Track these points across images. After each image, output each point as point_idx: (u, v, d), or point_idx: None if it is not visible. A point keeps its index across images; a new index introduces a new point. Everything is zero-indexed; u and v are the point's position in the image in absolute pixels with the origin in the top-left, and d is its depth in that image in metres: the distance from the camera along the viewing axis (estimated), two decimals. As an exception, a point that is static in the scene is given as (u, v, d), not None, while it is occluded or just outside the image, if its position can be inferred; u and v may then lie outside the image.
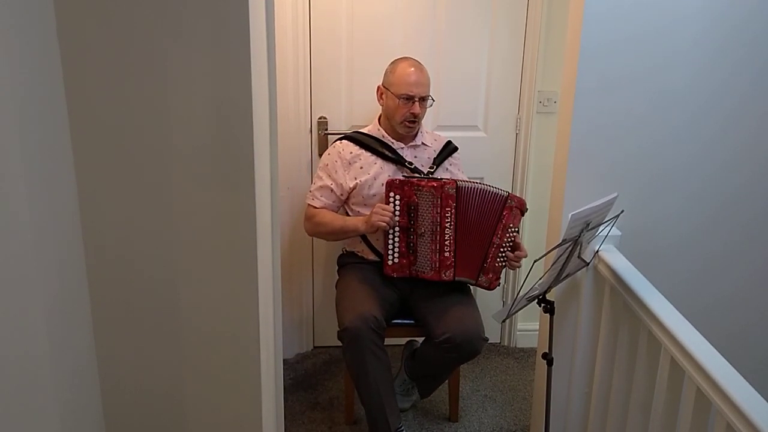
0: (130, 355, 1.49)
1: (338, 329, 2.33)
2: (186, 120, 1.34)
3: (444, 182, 2.34)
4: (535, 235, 3.02)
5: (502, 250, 2.35)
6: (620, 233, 2.14)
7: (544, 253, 2.02)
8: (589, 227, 1.87)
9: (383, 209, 2.35)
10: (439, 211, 2.33)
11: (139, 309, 1.46)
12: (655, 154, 2.13)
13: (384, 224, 2.34)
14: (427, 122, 2.88)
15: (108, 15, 1.28)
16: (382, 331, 2.30)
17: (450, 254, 2.36)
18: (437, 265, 2.36)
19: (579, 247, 1.91)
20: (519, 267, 2.42)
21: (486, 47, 2.86)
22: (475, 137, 2.96)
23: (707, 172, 2.18)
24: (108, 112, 1.33)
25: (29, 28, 1.19)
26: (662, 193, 2.18)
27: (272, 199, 1.58)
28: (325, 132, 2.88)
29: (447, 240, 2.35)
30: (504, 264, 2.37)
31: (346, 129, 2.86)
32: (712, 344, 1.58)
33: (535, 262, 1.75)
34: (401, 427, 2.38)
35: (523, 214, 2.39)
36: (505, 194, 2.35)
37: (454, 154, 2.64)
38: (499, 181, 2.90)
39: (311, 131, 2.90)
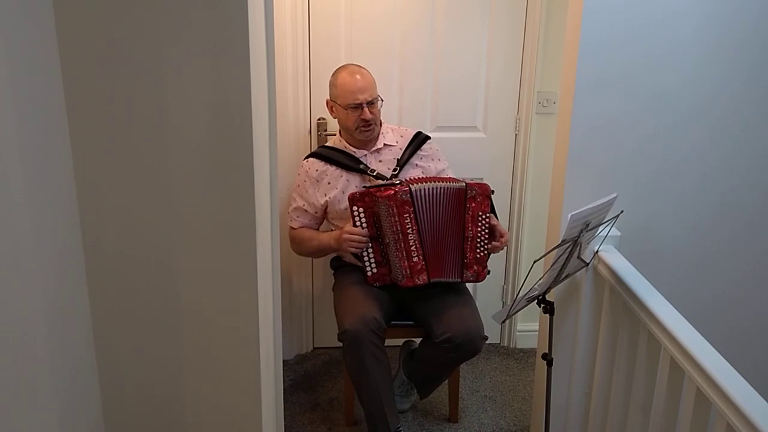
0: (130, 355, 1.49)
1: (338, 331, 2.33)
2: (185, 121, 1.35)
3: (397, 189, 2.30)
4: (535, 235, 3.02)
5: (479, 240, 2.35)
6: (620, 233, 2.13)
7: (544, 253, 2.02)
8: (589, 227, 1.87)
9: (352, 233, 2.34)
10: (397, 219, 2.30)
11: (138, 309, 1.46)
12: (654, 153, 2.13)
13: (354, 250, 2.37)
14: (426, 123, 2.90)
15: (107, 15, 1.28)
16: (382, 332, 2.30)
17: (419, 259, 2.34)
18: (408, 272, 2.34)
19: (579, 248, 1.91)
20: (503, 248, 2.42)
21: (485, 48, 2.86)
22: (474, 138, 2.96)
23: (706, 169, 2.18)
24: (107, 112, 1.33)
25: (28, 28, 1.19)
26: (662, 192, 2.18)
27: (272, 199, 1.58)
28: (325, 133, 2.88)
29: (413, 245, 2.33)
30: (487, 253, 2.38)
31: (345, 130, 2.85)
32: (711, 344, 1.58)
33: (535, 262, 1.75)
34: (399, 427, 2.39)
35: (489, 198, 2.36)
36: (462, 186, 2.34)
37: (425, 146, 2.58)
38: (498, 182, 2.90)
39: (311, 132, 2.90)
